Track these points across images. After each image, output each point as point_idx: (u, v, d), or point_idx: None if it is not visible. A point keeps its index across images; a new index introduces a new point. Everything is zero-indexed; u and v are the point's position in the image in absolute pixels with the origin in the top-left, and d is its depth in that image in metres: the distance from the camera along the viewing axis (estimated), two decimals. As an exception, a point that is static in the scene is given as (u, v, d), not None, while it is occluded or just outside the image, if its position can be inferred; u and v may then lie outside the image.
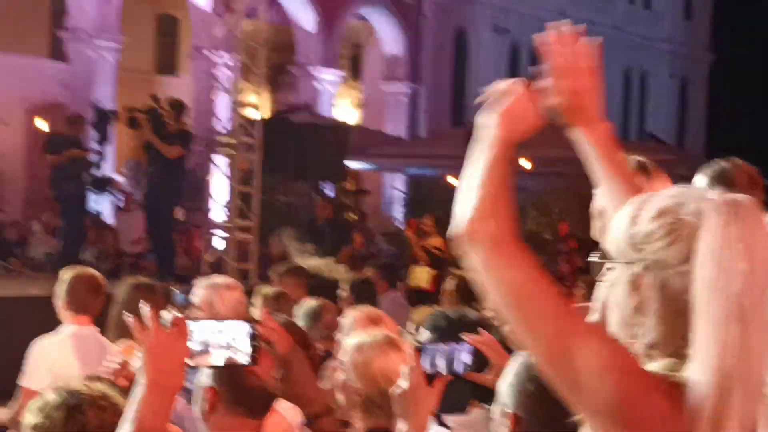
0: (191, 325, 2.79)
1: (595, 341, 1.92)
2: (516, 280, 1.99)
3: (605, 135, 2.51)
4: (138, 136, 13.71)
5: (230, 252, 14.29)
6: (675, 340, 1.94)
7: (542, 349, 1.96)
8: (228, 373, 3.16)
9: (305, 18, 28.16)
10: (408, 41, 30.88)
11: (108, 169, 19.44)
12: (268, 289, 6.86)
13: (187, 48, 26.76)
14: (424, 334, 4.03)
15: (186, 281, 8.90)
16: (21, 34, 25.41)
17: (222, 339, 2.83)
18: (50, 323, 6.03)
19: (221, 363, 2.85)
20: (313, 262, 13.19)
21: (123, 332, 5.71)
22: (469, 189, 2.11)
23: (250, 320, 2.91)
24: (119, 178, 22.93)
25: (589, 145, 2.50)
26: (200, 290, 5.88)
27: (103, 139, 14.42)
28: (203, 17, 23.91)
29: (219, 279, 6.13)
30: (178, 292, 6.45)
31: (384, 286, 9.30)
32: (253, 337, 2.85)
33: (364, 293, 7.81)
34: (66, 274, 6.04)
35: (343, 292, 7.93)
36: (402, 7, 30.63)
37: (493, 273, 2.02)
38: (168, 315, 2.76)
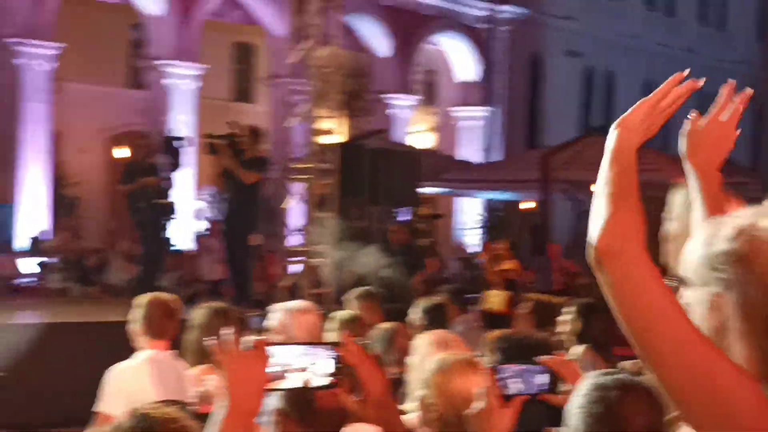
0: (270, 349, 2.80)
1: (727, 364, 1.91)
2: (649, 302, 1.98)
3: (716, 182, 2.78)
4: (216, 163, 13.85)
5: (306, 277, 14.35)
6: (765, 359, 1.93)
7: (675, 371, 1.93)
8: (299, 395, 3.17)
9: (380, 45, 28.31)
10: (482, 66, 30.88)
11: (187, 195, 19.65)
12: (343, 313, 6.87)
13: (263, 75, 27.01)
14: (499, 356, 4.03)
15: (262, 306, 8.95)
16: (101, 64, 25.84)
17: (300, 362, 2.84)
18: (129, 349, 6.08)
19: (298, 385, 2.86)
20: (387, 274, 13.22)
21: (200, 357, 5.76)
22: (599, 205, 2.14)
23: (331, 344, 2.92)
24: (200, 205, 23.19)
25: (698, 182, 2.76)
26: (276, 315, 5.91)
27: (175, 166, 14.56)
28: (279, 45, 24.14)
29: (294, 303, 6.16)
30: (254, 317, 6.49)
31: (456, 311, 9.28)
32: (335, 360, 2.87)
33: (436, 317, 7.78)
34: (142, 300, 6.09)
35: (416, 316, 7.93)
36: (476, 32, 30.67)
37: (624, 293, 2.01)
38: (249, 339, 2.77)
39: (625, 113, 2.34)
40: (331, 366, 2.87)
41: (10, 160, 21.16)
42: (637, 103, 2.38)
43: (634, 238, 2.06)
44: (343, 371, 2.91)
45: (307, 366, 2.85)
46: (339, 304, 9.04)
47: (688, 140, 2.76)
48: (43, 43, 21.37)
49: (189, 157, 16.90)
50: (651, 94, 2.43)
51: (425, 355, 4.61)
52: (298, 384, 2.86)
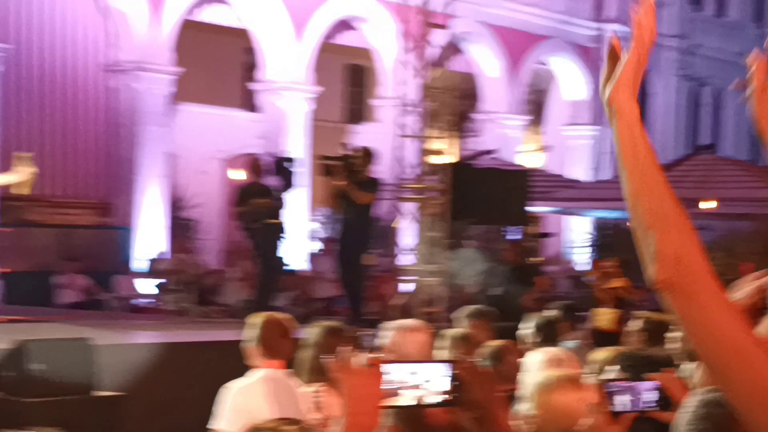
0: (385, 366, 2.83)
1: None
2: (722, 342, 1.93)
3: None
4: (331, 184, 14.02)
5: (417, 296, 14.42)
6: None
7: (749, 395, 1.91)
8: (409, 413, 3.20)
9: (490, 65, 28.33)
10: (591, 85, 30.70)
11: (301, 216, 19.88)
12: (453, 331, 6.92)
13: (375, 97, 27.22)
14: (609, 373, 4.03)
15: (375, 325, 9.03)
16: (216, 86, 26.31)
17: (415, 380, 2.87)
18: (245, 367, 6.18)
19: (413, 403, 2.88)
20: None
21: (314, 375, 5.86)
22: (639, 224, 2.05)
23: (446, 361, 2.94)
24: (313, 225, 23.44)
25: None
26: (387, 333, 5.98)
27: (287, 187, 14.75)
28: (389, 66, 24.32)
29: (405, 322, 6.22)
30: (366, 335, 6.56)
31: (567, 328, 9.26)
32: (451, 377, 2.89)
33: (548, 334, 7.79)
34: (256, 319, 6.19)
35: (527, 332, 7.94)
36: (584, 51, 30.51)
37: (694, 330, 1.97)
38: (364, 357, 2.81)
39: (614, 80, 2.19)
40: (445, 383, 2.88)
41: (129, 183, 21.65)
42: (622, 62, 2.22)
43: (692, 266, 1.96)
44: (457, 389, 2.91)
45: (420, 383, 2.87)
46: (450, 323, 9.08)
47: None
48: (161, 68, 21.84)
49: (303, 178, 17.09)
50: (630, 47, 2.24)
51: (537, 371, 4.63)
52: (413, 401, 2.87)
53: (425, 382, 2.88)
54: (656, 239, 2.01)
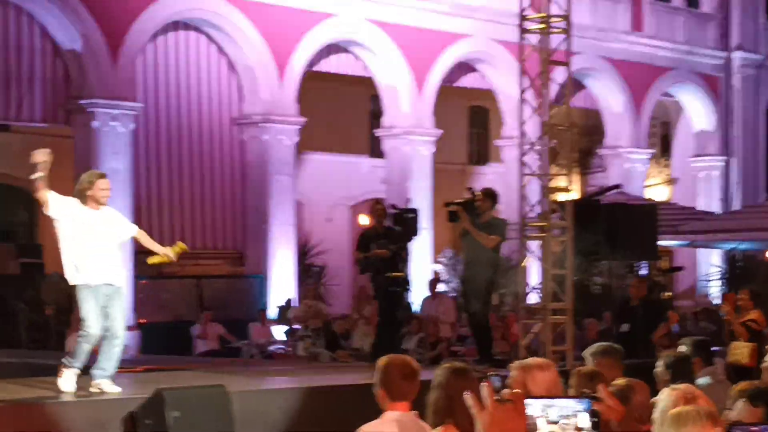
0: (526, 402, 2.80)
1: None
2: None
3: None
4: (455, 227, 14.12)
5: (546, 335, 14.37)
6: None
7: None
8: None
9: (613, 100, 28.17)
10: (718, 115, 30.28)
11: (424, 258, 19.97)
12: (582, 369, 6.90)
13: (498, 137, 27.30)
14: (745, 409, 3.97)
15: (503, 365, 9.03)
16: (341, 134, 26.69)
17: (552, 415, 2.85)
18: (376, 411, 6.27)
19: None
20: None
21: (442, 417, 5.91)
22: None
23: (588, 397, 2.95)
24: (437, 267, 23.51)
25: None
26: (513, 372, 6.01)
27: (408, 238, 14.81)
28: (512, 106, 24.38)
29: (532, 360, 6.24)
30: (494, 375, 6.58)
31: (701, 364, 9.15)
32: (591, 414, 2.86)
33: (680, 370, 7.71)
34: (381, 362, 6.28)
35: (660, 370, 7.86)
36: (710, 81, 30.13)
37: None
38: (505, 392, 2.78)
39: None
40: (586, 420, 2.86)
41: (260, 232, 22.06)
42: None
43: None
44: (599, 426, 2.89)
45: (558, 419, 2.86)
46: (579, 361, 9.05)
47: None
48: (287, 119, 22.28)
49: (426, 220, 17.18)
50: None
51: (669, 409, 4.61)
52: None
53: (563, 417, 2.86)
54: None
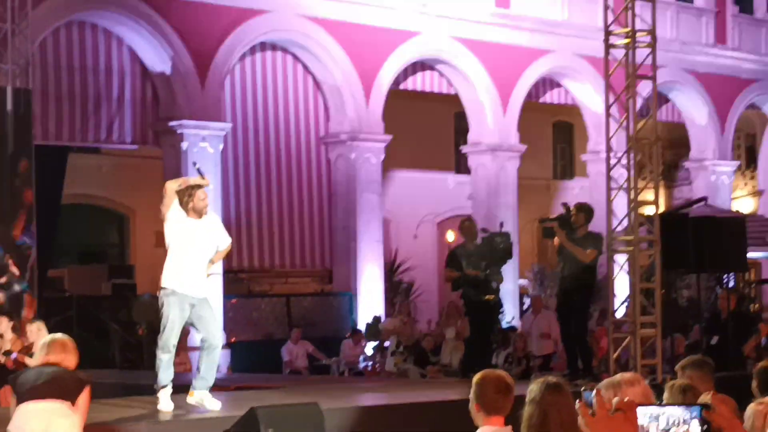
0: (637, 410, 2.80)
1: None
2: None
3: None
4: (553, 243, 14.18)
5: (636, 349, 14.34)
6: None
7: None
8: None
9: (698, 113, 27.97)
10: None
11: (511, 273, 19.97)
12: (676, 382, 6.92)
13: (582, 151, 27.23)
14: None
15: (596, 380, 9.05)
16: (427, 151, 26.82)
17: (663, 423, 2.84)
18: (467, 427, 6.35)
19: None
20: None
21: None
22: None
23: (700, 405, 2.90)
24: (523, 282, 23.51)
25: None
26: (603, 390, 6.06)
27: (502, 261, 14.85)
28: (597, 120, 24.33)
29: (620, 377, 6.28)
30: (586, 390, 6.62)
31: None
32: (702, 421, 2.85)
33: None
34: (476, 378, 6.38)
35: (752, 383, 7.82)
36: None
37: None
38: (616, 400, 2.81)
39: None
40: (697, 428, 2.83)
41: (348, 250, 22.23)
42: None
43: None
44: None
45: (670, 428, 2.84)
46: (669, 374, 9.06)
47: None
48: (375, 136, 22.45)
49: (512, 235, 17.16)
50: None
51: (758, 424, 4.60)
52: None
53: (674, 425, 2.84)
54: None
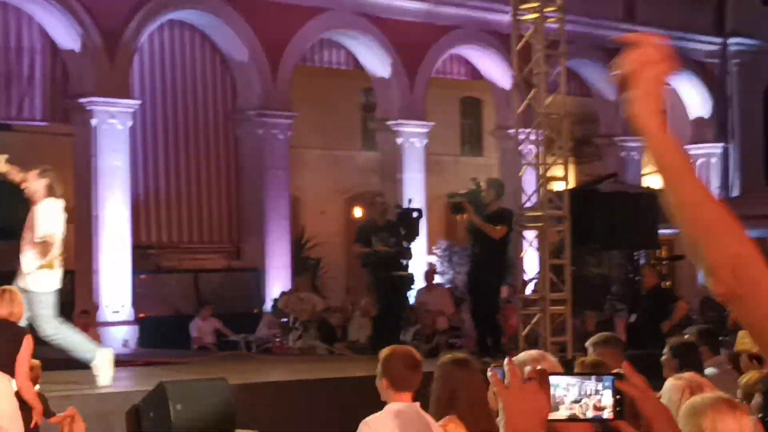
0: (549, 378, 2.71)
1: None
2: None
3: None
4: (460, 219, 14.09)
5: (545, 326, 14.37)
6: None
7: None
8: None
9: (607, 88, 28.16)
10: (714, 101, 30.28)
11: (419, 250, 19.96)
12: (586, 359, 6.89)
13: (490, 127, 27.28)
14: (756, 399, 3.92)
15: (502, 357, 8.99)
16: (334, 128, 26.66)
17: (574, 393, 2.75)
18: (375, 402, 6.27)
19: (574, 417, 2.75)
20: None
21: (445, 409, 5.91)
22: (687, 236, 2.00)
23: (612, 374, 2.80)
24: (430, 258, 23.49)
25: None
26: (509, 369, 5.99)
27: (412, 237, 14.78)
28: (504, 96, 24.37)
29: (525, 354, 6.23)
30: (495, 367, 6.55)
31: (707, 353, 9.12)
32: (616, 392, 2.76)
33: (687, 359, 7.67)
34: (385, 353, 6.29)
35: (666, 357, 7.82)
36: (706, 68, 30.13)
37: (756, 324, 1.96)
38: (528, 369, 2.70)
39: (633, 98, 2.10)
40: (609, 398, 2.75)
41: (256, 226, 22.12)
42: (639, 79, 2.15)
43: (749, 272, 1.93)
44: (623, 403, 2.76)
45: (582, 398, 2.74)
46: (580, 352, 9.05)
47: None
48: (282, 113, 22.33)
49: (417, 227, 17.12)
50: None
51: (675, 398, 4.56)
52: (573, 415, 2.74)
53: (586, 396, 2.73)
54: (706, 252, 1.99)
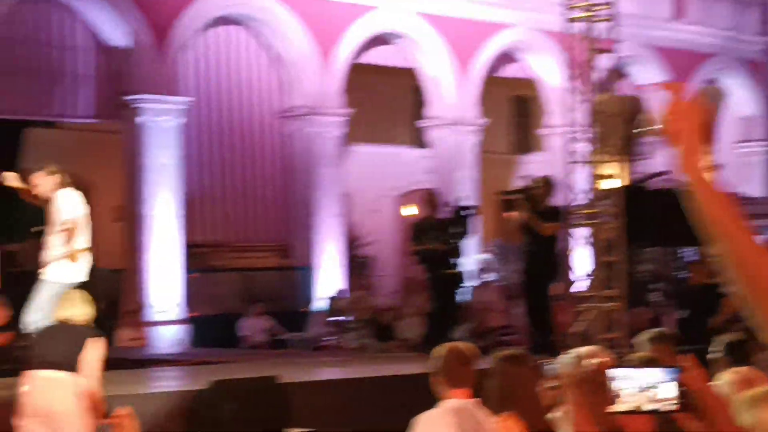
0: (611, 371, 2.77)
1: None
2: None
3: None
4: (512, 217, 14.10)
5: (597, 323, 14.34)
6: None
7: None
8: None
9: (656, 88, 28.01)
10: (762, 100, 30.03)
11: (473, 248, 19.96)
12: (636, 356, 6.90)
13: (541, 126, 27.23)
14: None
15: (554, 353, 8.99)
16: (386, 126, 26.71)
17: (633, 386, 2.81)
18: (429, 399, 6.31)
19: (638, 408, 2.81)
20: None
21: (500, 405, 5.94)
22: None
23: (675, 367, 2.88)
24: (485, 257, 23.50)
25: None
26: (565, 360, 6.01)
27: (464, 235, 14.82)
28: (556, 94, 24.31)
29: (583, 349, 6.25)
30: (547, 364, 6.59)
31: (758, 347, 9.08)
32: (678, 384, 2.82)
33: (739, 354, 7.64)
34: (440, 350, 6.32)
35: (718, 353, 7.80)
36: (754, 66, 29.89)
37: None
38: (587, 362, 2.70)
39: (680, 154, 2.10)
40: (671, 390, 2.82)
41: (307, 224, 22.15)
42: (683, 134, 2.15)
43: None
44: (686, 396, 2.83)
45: (642, 390, 2.81)
46: (631, 348, 9.04)
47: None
48: (332, 111, 22.35)
49: (471, 225, 17.11)
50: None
51: (732, 392, 4.57)
52: (635, 407, 2.81)
53: (651, 387, 2.82)
54: (757, 309, 2.04)
